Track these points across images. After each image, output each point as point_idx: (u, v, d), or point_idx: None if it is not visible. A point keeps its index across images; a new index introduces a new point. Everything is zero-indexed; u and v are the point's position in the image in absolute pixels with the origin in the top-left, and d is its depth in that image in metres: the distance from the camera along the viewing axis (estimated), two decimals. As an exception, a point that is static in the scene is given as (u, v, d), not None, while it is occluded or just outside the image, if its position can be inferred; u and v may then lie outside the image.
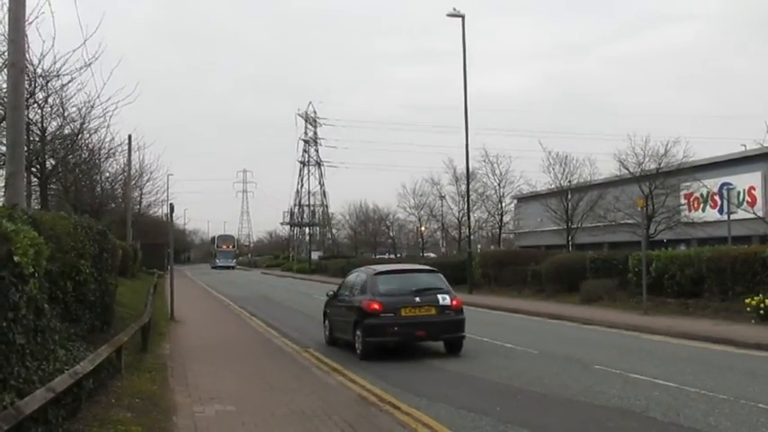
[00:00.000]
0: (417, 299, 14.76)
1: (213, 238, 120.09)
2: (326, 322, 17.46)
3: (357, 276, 16.45)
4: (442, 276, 16.09)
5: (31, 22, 14.62)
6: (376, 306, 14.54)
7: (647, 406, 9.50)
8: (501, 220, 53.82)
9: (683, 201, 41.35)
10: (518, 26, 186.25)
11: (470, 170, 40.91)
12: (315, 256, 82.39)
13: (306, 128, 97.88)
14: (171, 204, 26.34)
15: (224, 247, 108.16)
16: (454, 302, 14.93)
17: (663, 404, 9.58)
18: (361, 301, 14.94)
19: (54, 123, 21.89)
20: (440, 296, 14.91)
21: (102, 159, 30.93)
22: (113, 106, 24.59)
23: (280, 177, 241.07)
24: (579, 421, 8.98)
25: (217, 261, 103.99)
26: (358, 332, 14.80)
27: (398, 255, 70.48)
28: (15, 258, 6.41)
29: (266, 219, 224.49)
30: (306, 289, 42.74)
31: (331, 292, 17.66)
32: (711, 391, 10.30)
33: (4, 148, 15.92)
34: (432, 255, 66.39)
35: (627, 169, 38.17)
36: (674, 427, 8.43)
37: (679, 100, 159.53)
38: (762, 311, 18.16)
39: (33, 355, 6.95)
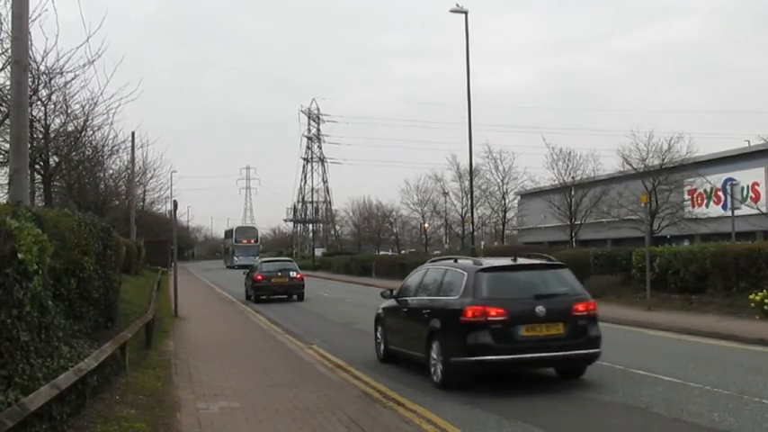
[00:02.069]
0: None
1: (230, 232, 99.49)
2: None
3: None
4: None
5: (34, 20, 14.61)
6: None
7: (651, 402, 9.49)
8: (504, 216, 53.84)
9: (686, 197, 41.29)
10: (520, 22, 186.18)
11: (474, 166, 40.92)
12: (318, 252, 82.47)
13: (309, 124, 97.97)
14: (174, 201, 26.35)
15: (244, 241, 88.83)
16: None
17: (667, 400, 9.57)
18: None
19: (57, 120, 21.89)
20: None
21: (105, 156, 30.90)
22: (116, 103, 24.56)
23: (283, 174, 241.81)
24: (583, 417, 8.98)
25: (236, 259, 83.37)
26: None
27: (401, 251, 70.49)
28: (19, 255, 6.42)
29: (270, 215, 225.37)
30: (310, 285, 42.71)
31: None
32: (715, 387, 10.29)
33: (7, 146, 15.93)
34: (436, 252, 66.36)
35: (630, 165, 38.12)
36: (677, 423, 8.43)
37: (682, 95, 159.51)
38: (766, 307, 18.12)
39: (38, 352, 6.97)
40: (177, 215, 28.32)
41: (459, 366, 10.74)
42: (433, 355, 11.24)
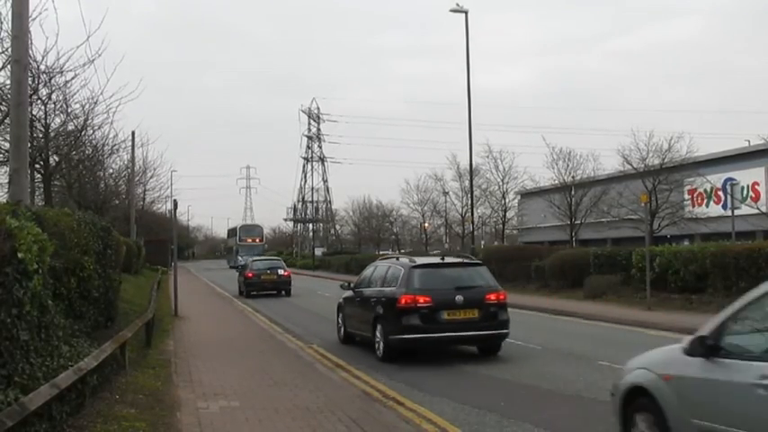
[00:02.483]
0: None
1: (233, 230, 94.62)
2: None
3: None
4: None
5: (34, 19, 14.62)
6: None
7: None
8: (504, 215, 53.80)
9: (686, 196, 41.28)
10: (520, 21, 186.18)
11: (474, 166, 40.93)
12: (318, 252, 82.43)
13: (309, 124, 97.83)
14: (174, 201, 26.36)
15: (249, 240, 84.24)
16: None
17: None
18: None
19: (57, 120, 21.88)
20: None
21: (105, 156, 30.87)
22: (117, 103, 24.54)
23: (283, 173, 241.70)
24: (583, 417, 8.98)
25: (239, 259, 74.74)
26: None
27: (401, 250, 70.49)
28: (19, 255, 6.42)
29: (270, 215, 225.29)
30: (309, 285, 42.74)
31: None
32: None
33: (7, 145, 15.93)
34: (436, 251, 66.39)
35: (630, 165, 38.11)
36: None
37: (683, 95, 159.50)
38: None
39: (37, 352, 6.96)
40: (177, 214, 28.34)
41: (395, 343, 13.30)
42: (377, 334, 13.76)
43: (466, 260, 15.70)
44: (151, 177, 49.16)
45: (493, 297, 13.59)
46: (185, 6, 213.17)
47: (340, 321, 16.69)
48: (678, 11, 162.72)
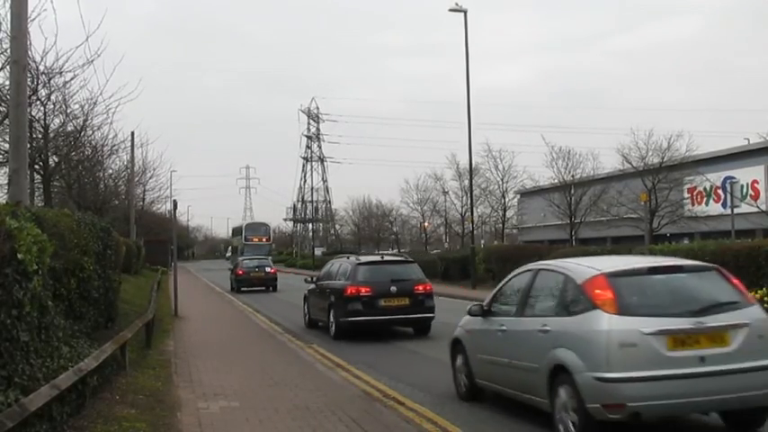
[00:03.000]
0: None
1: (238, 229, 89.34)
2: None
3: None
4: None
5: (33, 20, 14.58)
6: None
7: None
8: (504, 215, 53.81)
9: (686, 195, 41.30)
10: (518, 20, 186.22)
11: (473, 165, 40.89)
12: (318, 251, 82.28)
13: (308, 123, 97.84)
14: (174, 201, 26.34)
15: (255, 239, 77.80)
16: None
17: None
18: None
19: (57, 120, 21.84)
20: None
21: (105, 156, 30.79)
22: (116, 103, 24.42)
23: (283, 173, 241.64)
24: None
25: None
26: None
27: (401, 250, 70.50)
28: (19, 256, 6.41)
29: (269, 215, 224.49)
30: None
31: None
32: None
33: (7, 146, 15.90)
34: (436, 250, 66.39)
35: (630, 163, 38.12)
36: (678, 420, 8.41)
37: (682, 94, 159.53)
38: (766, 305, 18.11)
39: (37, 353, 6.96)
40: (177, 215, 28.32)
41: (343, 324, 16.64)
42: (331, 318, 17.17)
43: (400, 258, 21.12)
44: (151, 178, 49.10)
45: (421, 288, 16.99)
46: (184, 7, 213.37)
47: (305, 310, 20.22)
48: (678, 10, 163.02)
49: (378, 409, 9.26)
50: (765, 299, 18.17)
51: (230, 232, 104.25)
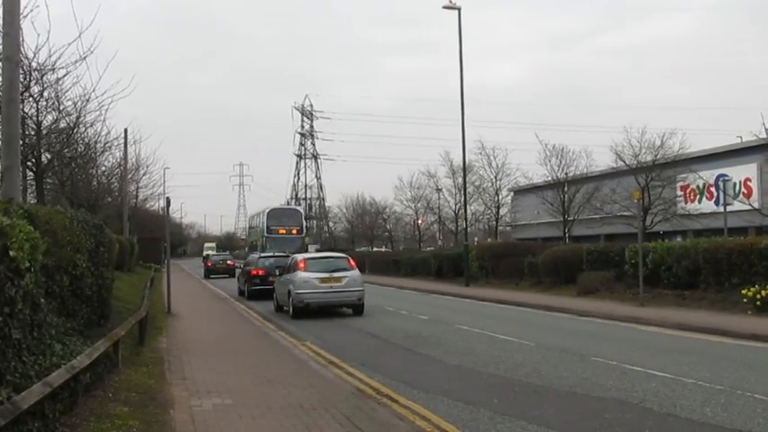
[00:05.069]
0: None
1: (256, 217, 67.65)
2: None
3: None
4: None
5: (25, 16, 14.60)
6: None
7: (644, 397, 9.52)
8: (498, 212, 53.89)
9: (679, 192, 41.44)
10: (512, 18, 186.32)
11: (467, 162, 40.99)
12: (312, 249, 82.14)
13: (302, 121, 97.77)
14: (167, 198, 26.31)
15: (281, 231, 57.02)
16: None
17: (659, 395, 9.60)
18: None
19: (50, 117, 21.81)
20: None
21: (98, 153, 30.73)
22: (109, 100, 24.52)
23: (276, 171, 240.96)
24: (576, 413, 8.99)
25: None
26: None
27: (394, 247, 70.50)
28: (11, 253, 6.39)
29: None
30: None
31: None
32: (708, 382, 10.33)
33: (-1, 143, 15.84)
34: (430, 248, 66.42)
35: (623, 161, 38.24)
36: (670, 418, 8.45)
37: (675, 91, 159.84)
38: (758, 302, 18.20)
39: (30, 350, 6.95)
40: (170, 212, 28.26)
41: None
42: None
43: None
44: (144, 175, 49.16)
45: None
46: (178, 3, 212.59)
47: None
48: (672, 7, 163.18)
49: (371, 407, 9.27)
50: (758, 296, 18.25)
51: (247, 222, 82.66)
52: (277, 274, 25.06)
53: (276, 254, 33.42)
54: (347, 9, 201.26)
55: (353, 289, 22.04)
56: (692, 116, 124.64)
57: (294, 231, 57.77)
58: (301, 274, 21.78)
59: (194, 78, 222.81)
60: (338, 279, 21.88)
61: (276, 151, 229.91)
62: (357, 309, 22.18)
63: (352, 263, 23.29)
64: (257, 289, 29.69)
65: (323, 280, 21.66)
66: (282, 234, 56.45)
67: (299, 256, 23.86)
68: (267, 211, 60.16)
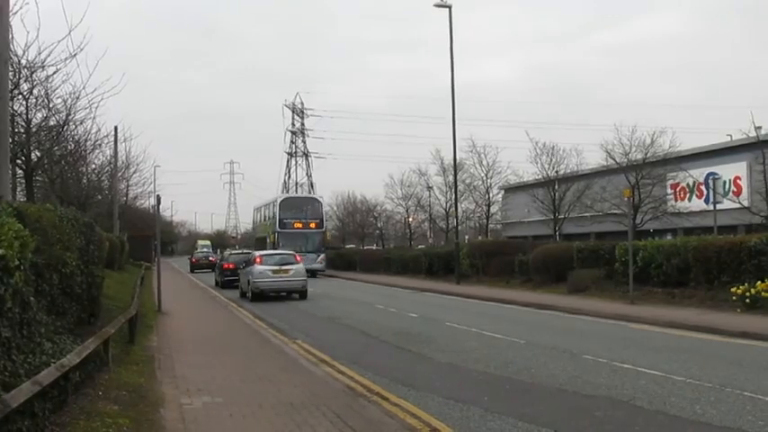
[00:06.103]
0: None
1: (266, 207, 57.51)
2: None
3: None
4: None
5: (15, 13, 14.53)
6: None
7: (634, 395, 9.56)
8: (488, 210, 53.98)
9: (669, 191, 41.58)
10: (502, 16, 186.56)
11: (458, 161, 41.03)
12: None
13: (293, 119, 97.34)
14: (158, 196, 26.26)
15: (296, 225, 49.59)
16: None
17: (649, 393, 9.64)
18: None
19: (39, 115, 21.72)
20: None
21: (88, 151, 30.62)
22: (99, 97, 24.31)
23: (267, 169, 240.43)
24: (567, 410, 9.01)
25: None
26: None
27: (385, 245, 70.47)
28: (0, 251, 6.36)
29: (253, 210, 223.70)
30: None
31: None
32: (698, 380, 10.37)
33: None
34: (421, 246, 66.44)
35: (613, 159, 38.35)
36: (660, 416, 8.48)
37: (665, 90, 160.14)
38: (747, 300, 18.29)
39: (19, 348, 6.92)
40: (161, 210, 28.22)
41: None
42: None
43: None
44: (134, 173, 49.03)
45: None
46: (168, 1, 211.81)
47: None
48: (661, 5, 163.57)
49: (361, 404, 9.27)
50: (747, 294, 18.34)
51: (252, 214, 71.52)
52: (242, 267, 31.75)
53: (281, 252, 32.65)
54: (338, 7, 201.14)
55: (299, 279, 28.49)
56: (682, 114, 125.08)
57: (312, 225, 49.78)
58: (258, 267, 28.18)
59: (185, 76, 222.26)
60: (286, 271, 28.40)
61: (267, 149, 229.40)
62: (302, 294, 28.39)
63: (299, 258, 30.29)
64: (228, 279, 37.15)
65: (275, 271, 28.08)
66: (298, 228, 48.94)
67: (257, 253, 31.15)
68: (280, 200, 51.21)
